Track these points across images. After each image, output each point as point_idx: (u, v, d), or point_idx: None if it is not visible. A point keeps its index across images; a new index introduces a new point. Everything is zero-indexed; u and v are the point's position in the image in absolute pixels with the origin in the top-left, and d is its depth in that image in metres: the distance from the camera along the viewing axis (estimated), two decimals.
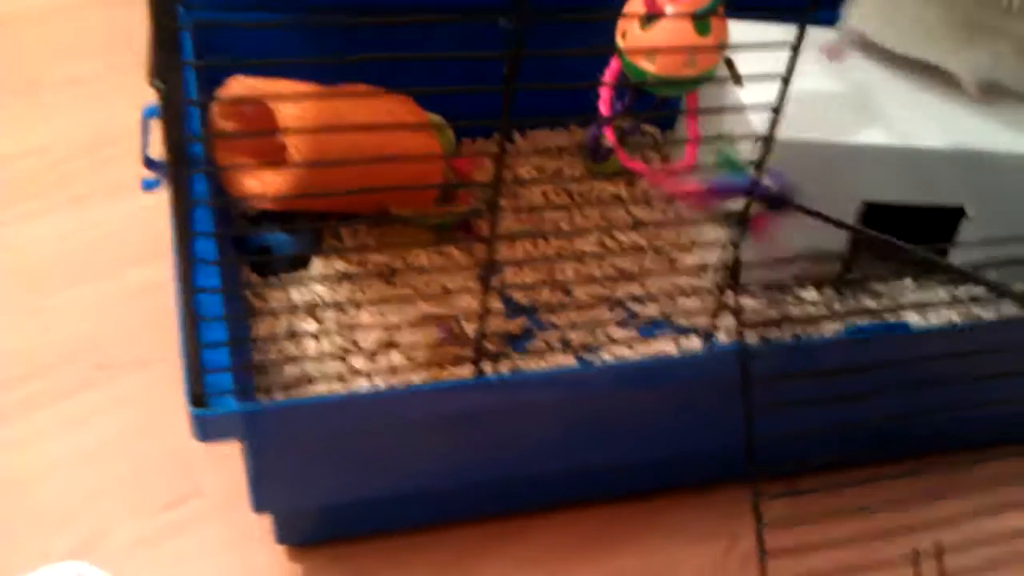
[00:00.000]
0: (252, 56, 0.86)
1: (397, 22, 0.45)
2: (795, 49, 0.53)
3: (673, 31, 0.66)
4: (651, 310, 0.82)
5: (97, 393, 0.79)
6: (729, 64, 0.81)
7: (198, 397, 0.55)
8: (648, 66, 0.67)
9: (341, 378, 0.69)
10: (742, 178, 0.64)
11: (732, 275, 0.61)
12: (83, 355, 0.81)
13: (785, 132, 0.78)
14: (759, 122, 0.77)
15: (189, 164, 0.73)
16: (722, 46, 0.66)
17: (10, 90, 1.09)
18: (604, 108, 0.73)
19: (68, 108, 1.07)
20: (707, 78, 0.69)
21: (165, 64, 0.45)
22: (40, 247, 0.91)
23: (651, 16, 0.66)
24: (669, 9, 0.66)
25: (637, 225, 0.92)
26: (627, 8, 0.69)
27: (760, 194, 0.64)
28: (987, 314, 0.83)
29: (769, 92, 0.74)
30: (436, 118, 0.91)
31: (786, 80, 0.54)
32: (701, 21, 0.65)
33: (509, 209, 0.92)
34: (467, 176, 0.93)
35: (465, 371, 0.71)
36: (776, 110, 0.55)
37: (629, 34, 0.68)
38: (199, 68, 0.76)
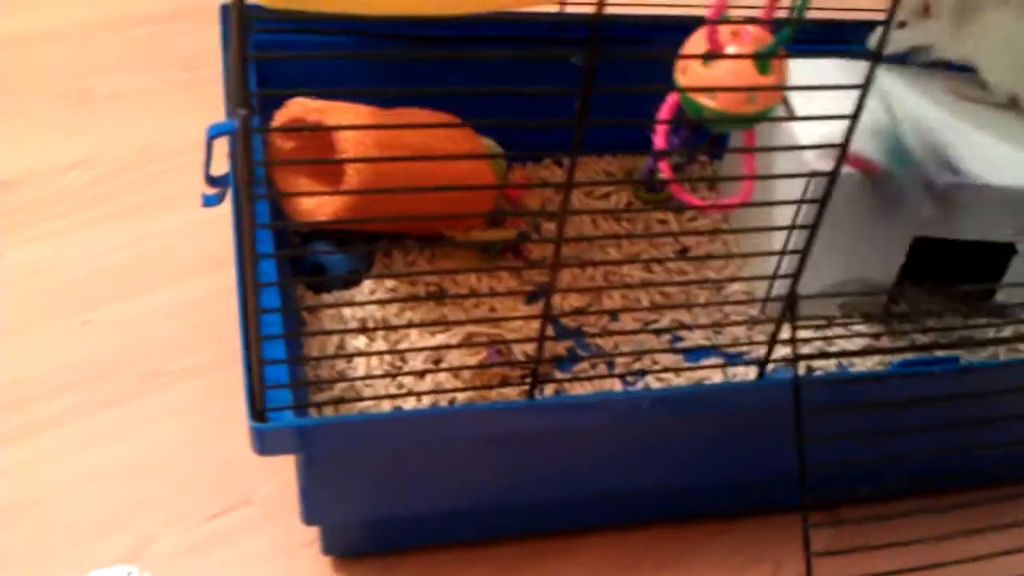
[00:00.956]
0: (310, 75, 0.89)
1: (468, 56, 0.46)
2: (864, 88, 0.53)
3: (734, 70, 0.67)
4: (697, 337, 0.82)
5: (145, 403, 0.80)
6: (785, 101, 0.82)
7: (259, 412, 0.55)
8: (708, 102, 0.68)
9: (390, 396, 0.70)
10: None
11: (789, 307, 0.61)
12: (130, 366, 0.82)
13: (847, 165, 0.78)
14: (814, 159, 0.78)
15: (256, 187, 0.75)
16: (782, 85, 0.67)
17: (58, 103, 1.11)
18: (659, 142, 0.74)
19: (114, 122, 1.09)
20: (765, 116, 0.69)
21: (244, 93, 0.46)
22: (87, 260, 0.92)
23: (712, 55, 0.66)
24: (731, 49, 0.67)
25: (685, 253, 0.93)
26: (688, 46, 0.70)
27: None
28: None
29: (824, 129, 0.75)
30: (490, 143, 0.92)
31: (854, 118, 0.55)
32: (762, 61, 0.66)
33: (567, 239, 0.92)
34: (518, 201, 0.93)
35: (512, 392, 0.72)
36: (844, 146, 0.55)
37: (690, 71, 0.69)
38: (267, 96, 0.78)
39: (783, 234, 0.83)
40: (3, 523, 0.71)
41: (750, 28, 0.68)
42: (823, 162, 0.77)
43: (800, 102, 0.85)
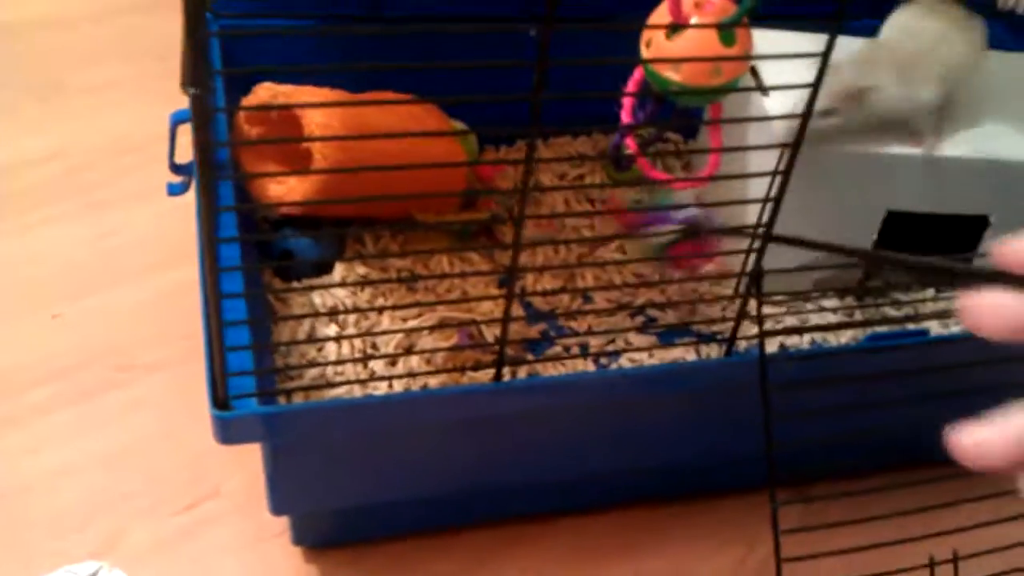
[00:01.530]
0: (278, 60, 0.88)
1: (426, 30, 0.45)
2: (824, 57, 0.53)
3: (698, 41, 0.66)
4: (671, 317, 0.82)
5: (117, 396, 0.79)
6: (754, 73, 0.81)
7: (221, 400, 0.55)
8: (673, 76, 0.67)
9: (360, 382, 0.70)
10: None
11: (755, 283, 0.61)
12: (103, 359, 0.82)
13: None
14: (783, 131, 0.77)
15: (217, 170, 0.74)
16: (747, 56, 0.66)
17: (33, 95, 1.09)
18: (625, 117, 0.73)
19: (90, 113, 1.08)
20: (731, 88, 0.69)
21: (197, 71, 0.45)
22: (60, 252, 0.91)
23: (676, 27, 0.66)
24: (694, 20, 0.67)
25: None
26: (652, 18, 0.69)
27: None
28: None
29: (794, 99, 0.74)
30: (460, 125, 0.91)
31: (815, 87, 0.54)
32: (726, 32, 0.65)
33: (530, 215, 0.92)
34: (490, 182, 0.93)
35: (484, 376, 0.72)
36: (805, 116, 0.55)
37: (654, 44, 0.68)
38: (228, 75, 0.77)
39: (756, 208, 0.83)
40: None
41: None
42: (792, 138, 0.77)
43: (771, 74, 0.85)
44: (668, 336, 0.79)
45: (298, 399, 0.69)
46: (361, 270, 0.81)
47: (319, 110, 0.77)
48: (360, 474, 0.64)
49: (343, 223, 0.86)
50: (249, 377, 0.57)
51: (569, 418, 0.66)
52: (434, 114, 0.86)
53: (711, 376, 0.64)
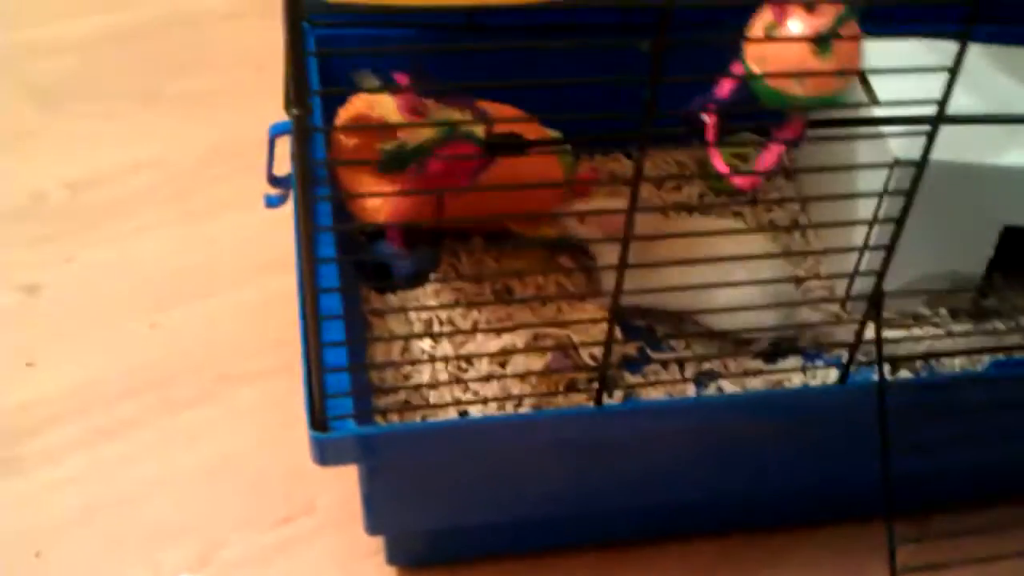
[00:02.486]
0: (375, 70, 0.87)
1: (536, 47, 0.43)
2: (953, 72, 0.49)
3: (788, 46, 0.63)
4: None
5: (215, 406, 0.79)
6: (865, 84, 0.77)
7: (320, 421, 0.54)
8: (757, 69, 0.64)
9: (455, 403, 0.68)
10: None
11: (874, 305, 0.58)
12: (199, 369, 0.82)
13: (932, 153, 0.74)
14: (897, 146, 0.74)
15: (317, 189, 0.73)
16: (845, 72, 0.62)
17: (130, 102, 1.10)
18: (710, 136, 0.70)
19: (186, 121, 1.08)
20: (825, 102, 0.65)
21: (300, 92, 0.44)
22: (157, 261, 0.92)
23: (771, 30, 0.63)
24: (792, 24, 0.64)
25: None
26: (755, 26, 0.66)
27: None
28: None
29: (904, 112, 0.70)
30: (556, 135, 0.89)
31: (942, 104, 0.51)
32: (822, 43, 0.62)
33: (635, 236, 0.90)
34: (584, 191, 0.91)
35: (580, 397, 0.70)
36: (931, 135, 0.52)
37: (751, 46, 0.66)
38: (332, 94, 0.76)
39: (864, 228, 0.80)
40: (81, 524, 0.71)
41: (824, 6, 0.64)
42: (906, 151, 0.73)
43: (884, 89, 0.81)
44: (772, 356, 0.76)
45: (393, 418, 0.68)
46: (456, 285, 0.80)
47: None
48: (455, 495, 0.63)
49: (439, 236, 0.85)
50: (347, 399, 0.56)
51: (672, 442, 0.63)
52: (532, 127, 0.84)
53: (825, 402, 0.61)
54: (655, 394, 0.74)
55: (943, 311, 0.82)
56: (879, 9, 0.95)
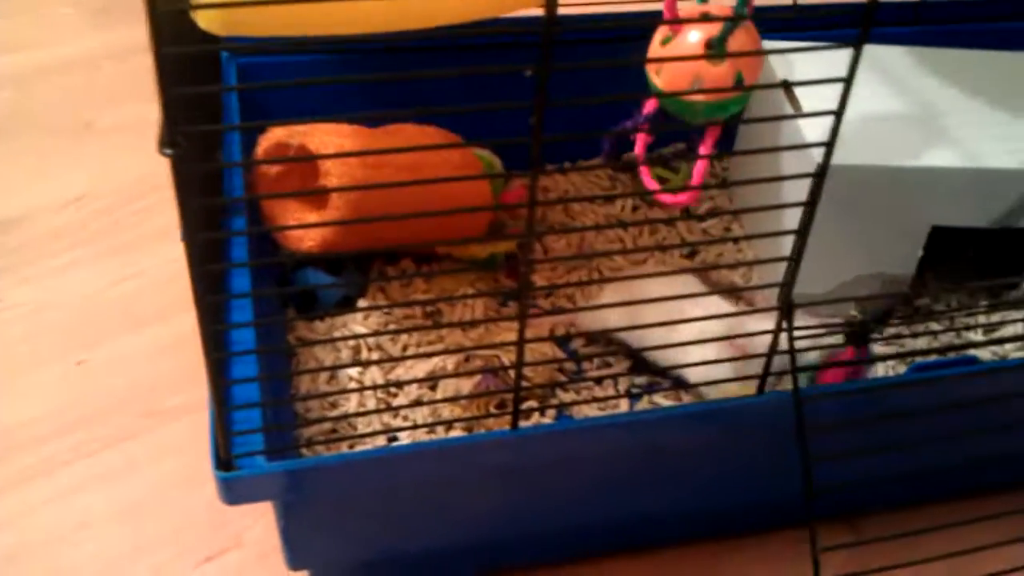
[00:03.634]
0: (295, 96, 0.86)
1: (424, 76, 0.43)
2: (847, 82, 0.49)
3: (681, 52, 0.63)
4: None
5: (141, 443, 0.78)
6: (789, 92, 0.77)
7: (224, 460, 0.53)
8: (655, 80, 0.64)
9: (381, 432, 0.68)
10: None
11: (786, 316, 0.58)
12: (127, 405, 0.80)
13: (850, 157, 0.75)
14: (819, 154, 0.74)
15: (230, 212, 0.72)
16: (739, 80, 0.63)
17: (57, 136, 1.09)
18: (639, 149, 0.70)
19: (112, 155, 1.07)
20: (725, 108, 0.65)
21: (171, 129, 0.43)
22: (83, 298, 0.90)
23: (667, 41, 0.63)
24: (686, 33, 0.64)
25: (692, 255, 0.89)
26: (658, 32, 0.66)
27: None
28: None
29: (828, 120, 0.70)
30: (485, 153, 0.89)
31: (838, 115, 0.51)
32: (714, 49, 0.62)
33: (561, 238, 0.89)
34: (519, 212, 0.90)
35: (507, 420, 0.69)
36: (829, 145, 0.52)
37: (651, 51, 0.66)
38: (216, 132, 0.75)
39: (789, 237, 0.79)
40: (6, 567, 0.69)
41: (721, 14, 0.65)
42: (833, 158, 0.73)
43: (808, 96, 0.81)
44: None
45: (320, 450, 0.67)
46: (383, 308, 0.79)
47: (334, 147, 0.75)
48: (378, 526, 0.62)
49: (366, 258, 0.84)
50: (256, 434, 0.55)
51: (598, 462, 0.63)
52: (455, 145, 0.83)
53: (743, 416, 0.60)
54: (588, 411, 0.73)
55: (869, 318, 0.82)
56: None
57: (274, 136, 0.78)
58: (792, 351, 0.58)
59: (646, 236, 0.91)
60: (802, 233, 0.54)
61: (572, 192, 0.96)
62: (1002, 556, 0.62)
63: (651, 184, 0.72)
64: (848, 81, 0.50)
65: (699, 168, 0.69)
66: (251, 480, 0.53)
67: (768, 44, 0.85)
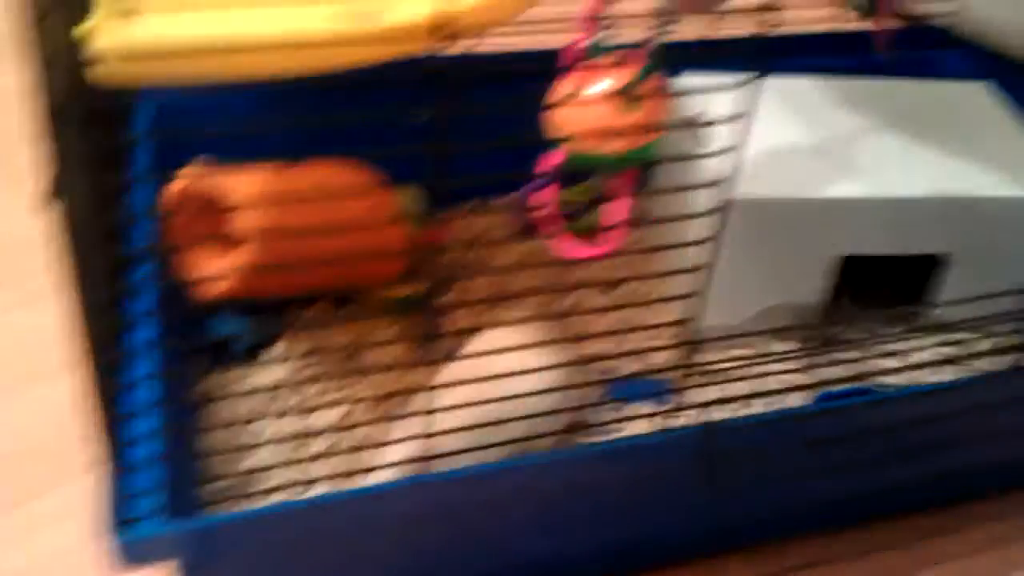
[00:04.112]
0: (213, 139, 0.85)
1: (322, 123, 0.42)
2: (748, 118, 0.50)
3: (590, 109, 0.63)
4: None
5: (41, 504, 0.75)
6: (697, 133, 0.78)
7: (121, 521, 0.52)
8: (563, 136, 0.65)
9: (286, 487, 0.66)
10: None
11: (690, 352, 0.58)
12: (21, 468, 0.78)
13: (757, 190, 0.76)
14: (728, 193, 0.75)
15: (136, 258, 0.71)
16: (653, 126, 0.63)
17: None
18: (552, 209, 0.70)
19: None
20: (638, 156, 0.65)
21: (61, 182, 0.43)
22: None
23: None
24: (594, 87, 0.64)
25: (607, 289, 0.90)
26: (559, 88, 0.67)
27: None
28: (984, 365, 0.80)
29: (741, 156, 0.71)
30: (408, 191, 0.89)
31: (734, 149, 0.51)
32: (629, 98, 0.62)
33: (480, 278, 0.89)
34: (437, 247, 0.90)
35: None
36: (719, 182, 0.52)
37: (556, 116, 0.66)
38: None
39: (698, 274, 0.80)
40: None
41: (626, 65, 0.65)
42: (740, 192, 0.74)
43: (716, 129, 0.82)
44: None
45: (228, 507, 0.66)
46: (301, 355, 0.79)
47: (246, 191, 0.74)
48: None
49: (282, 304, 0.84)
50: (148, 495, 0.53)
51: (507, 504, 0.62)
52: (373, 183, 0.83)
53: (649, 453, 0.60)
54: None
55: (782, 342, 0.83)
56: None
57: (184, 179, 0.77)
58: (696, 385, 0.58)
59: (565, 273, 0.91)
60: (708, 267, 0.54)
61: (490, 231, 0.96)
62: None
63: (575, 252, 0.71)
64: (748, 117, 0.50)
65: (619, 215, 0.69)
66: (146, 541, 0.52)
67: (680, 80, 0.87)
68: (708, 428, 0.58)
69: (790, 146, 0.83)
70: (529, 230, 0.79)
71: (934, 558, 0.65)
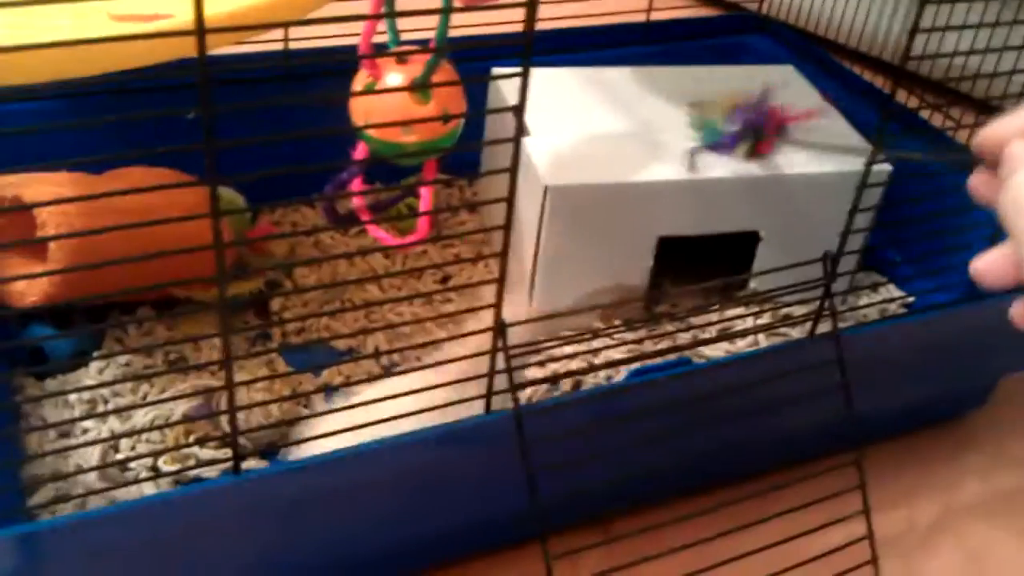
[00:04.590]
0: (14, 145, 0.82)
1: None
2: (519, 109, 0.51)
3: (389, 100, 0.65)
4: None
5: None
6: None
7: None
8: (371, 132, 0.66)
9: (103, 490, 0.65)
10: None
11: (499, 336, 0.59)
12: None
13: (578, 176, 0.78)
14: (548, 176, 0.77)
15: None
16: (447, 115, 0.65)
17: None
18: (357, 186, 0.71)
19: None
20: (438, 147, 0.67)
21: None
22: None
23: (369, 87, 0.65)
24: (389, 78, 0.65)
25: (445, 280, 0.91)
26: (356, 79, 0.68)
27: None
28: (795, 332, 0.84)
29: (556, 142, 0.72)
30: (229, 193, 0.88)
31: (516, 141, 0.53)
32: (422, 91, 0.64)
33: (312, 272, 0.89)
34: (261, 247, 0.90)
35: (215, 452, 0.69)
36: (512, 169, 0.54)
37: (355, 103, 0.67)
38: None
39: (528, 256, 0.82)
40: None
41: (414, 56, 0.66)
42: (555, 178, 0.77)
43: (536, 117, 0.84)
44: None
45: (47, 514, 0.64)
46: (122, 360, 0.77)
47: (50, 196, 0.72)
48: None
49: (102, 309, 0.82)
50: None
51: (338, 495, 0.62)
52: (191, 188, 0.82)
53: (470, 436, 0.62)
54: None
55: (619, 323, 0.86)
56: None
57: None
58: (509, 368, 0.60)
59: (398, 264, 0.92)
60: (503, 255, 0.56)
61: (323, 225, 0.96)
62: (737, 541, 0.65)
63: (379, 235, 0.72)
64: (520, 108, 0.52)
65: (425, 203, 0.70)
66: None
67: (496, 70, 0.89)
68: (519, 411, 0.59)
69: (607, 133, 0.86)
70: (339, 222, 0.79)
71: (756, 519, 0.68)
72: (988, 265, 0.47)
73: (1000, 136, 0.47)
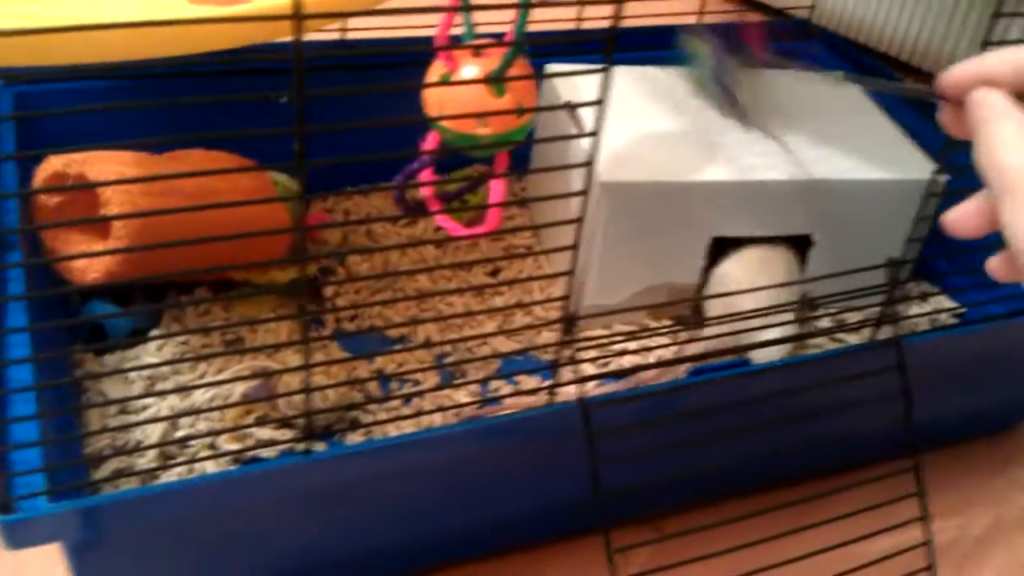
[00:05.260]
0: (77, 124, 0.83)
1: (185, 103, 0.43)
2: (601, 104, 0.52)
3: (465, 91, 0.65)
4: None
5: None
6: (571, 111, 0.81)
7: (3, 504, 0.51)
8: (446, 123, 0.66)
9: (163, 467, 0.66)
10: None
11: (567, 328, 0.60)
12: None
13: (634, 174, 0.78)
14: (604, 173, 0.77)
15: (4, 247, 0.70)
16: (521, 109, 0.65)
17: None
18: (428, 191, 0.71)
19: None
20: (511, 139, 0.67)
21: None
22: None
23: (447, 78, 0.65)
24: (465, 70, 0.66)
25: (495, 272, 0.91)
26: (432, 69, 0.68)
27: None
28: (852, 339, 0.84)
29: (610, 138, 0.72)
30: (282, 178, 0.88)
31: (595, 134, 0.53)
32: (497, 84, 0.64)
33: (365, 261, 0.90)
34: (317, 235, 0.90)
35: (279, 433, 0.70)
36: (590, 163, 0.54)
37: (430, 95, 0.67)
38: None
39: (583, 252, 0.82)
40: None
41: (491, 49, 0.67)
42: (611, 175, 0.77)
43: (590, 114, 0.84)
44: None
45: (110, 488, 0.65)
46: (180, 339, 0.78)
47: (114, 175, 0.73)
48: (173, 564, 0.60)
49: (160, 289, 0.82)
50: (38, 474, 0.53)
51: (397, 480, 0.63)
52: (250, 172, 0.83)
53: (535, 425, 0.62)
54: (394, 431, 0.74)
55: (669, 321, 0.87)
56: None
57: (51, 166, 0.75)
58: (575, 360, 0.60)
59: (449, 255, 0.93)
60: (575, 247, 0.56)
61: (375, 214, 0.96)
62: (785, 546, 0.65)
63: (447, 225, 0.72)
64: (602, 104, 0.52)
65: (496, 195, 0.71)
66: (29, 523, 0.51)
67: (550, 68, 0.90)
68: (584, 403, 0.60)
69: (661, 132, 0.86)
70: (410, 211, 0.80)
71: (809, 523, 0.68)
72: (960, 215, 0.47)
73: (959, 79, 0.47)
